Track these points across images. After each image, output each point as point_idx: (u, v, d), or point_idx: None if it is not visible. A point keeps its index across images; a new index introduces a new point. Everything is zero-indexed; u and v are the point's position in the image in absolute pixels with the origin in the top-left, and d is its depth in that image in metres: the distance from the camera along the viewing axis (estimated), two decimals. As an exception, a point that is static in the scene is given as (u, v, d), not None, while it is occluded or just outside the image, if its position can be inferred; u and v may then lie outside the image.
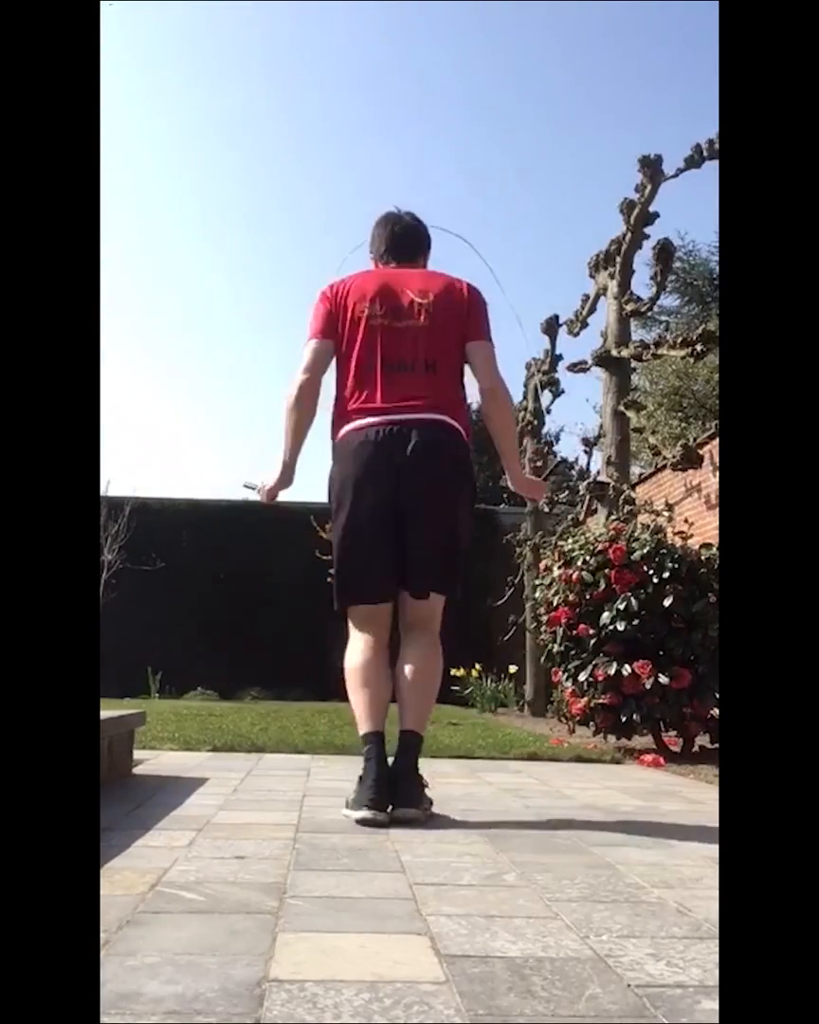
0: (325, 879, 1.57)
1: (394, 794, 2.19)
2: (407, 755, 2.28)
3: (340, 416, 2.45)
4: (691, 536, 4.70)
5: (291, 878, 1.57)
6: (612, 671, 4.16)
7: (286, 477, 2.52)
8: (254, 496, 2.58)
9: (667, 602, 4.13)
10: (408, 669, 2.37)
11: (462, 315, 2.47)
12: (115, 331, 29.75)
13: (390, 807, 2.18)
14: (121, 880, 1.52)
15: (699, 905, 1.47)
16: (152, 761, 3.39)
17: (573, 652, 4.46)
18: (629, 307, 5.93)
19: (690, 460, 5.72)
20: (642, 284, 6.60)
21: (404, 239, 2.63)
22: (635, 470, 9.71)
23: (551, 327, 8.13)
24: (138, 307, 33.47)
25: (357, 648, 2.41)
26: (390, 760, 2.27)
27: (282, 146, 33.75)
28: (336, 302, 2.47)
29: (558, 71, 32.28)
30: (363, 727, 2.33)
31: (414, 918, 1.33)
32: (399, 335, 2.41)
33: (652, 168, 5.79)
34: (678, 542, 4.54)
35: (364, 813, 2.15)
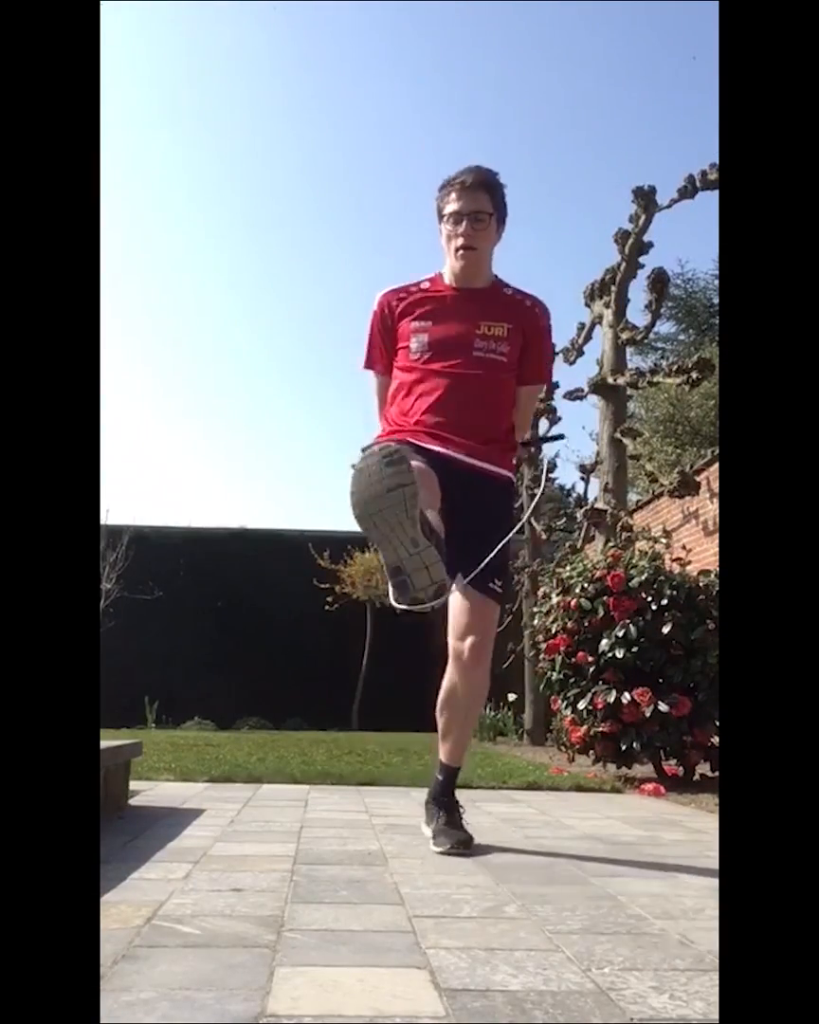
0: (323, 912, 1.55)
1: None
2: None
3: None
4: (689, 563, 4.70)
5: (288, 911, 1.55)
6: (611, 699, 4.15)
7: None
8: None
9: (666, 629, 4.12)
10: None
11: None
12: (115, 358, 29.90)
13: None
14: (117, 913, 1.50)
15: (702, 937, 1.46)
16: (149, 792, 3.36)
17: (572, 680, 4.44)
18: (625, 335, 5.97)
19: (687, 487, 5.73)
20: (638, 312, 6.65)
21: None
22: (632, 497, 9.73)
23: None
24: (139, 334, 33.66)
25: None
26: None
27: (286, 174, 34.13)
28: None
29: (552, 101, 32.75)
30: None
31: (413, 951, 1.32)
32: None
33: (646, 199, 5.86)
34: (676, 569, 4.54)
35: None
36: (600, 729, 4.22)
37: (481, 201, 2.39)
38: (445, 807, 2.38)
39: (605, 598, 4.30)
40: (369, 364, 2.56)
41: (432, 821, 2.38)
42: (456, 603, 2.37)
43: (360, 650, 11.85)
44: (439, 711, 2.42)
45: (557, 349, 7.69)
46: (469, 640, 2.34)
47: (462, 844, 2.22)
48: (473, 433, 2.38)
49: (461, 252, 2.40)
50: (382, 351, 2.52)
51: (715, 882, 1.90)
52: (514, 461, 2.56)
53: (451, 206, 2.40)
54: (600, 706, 4.18)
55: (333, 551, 11.85)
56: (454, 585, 2.31)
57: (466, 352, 2.39)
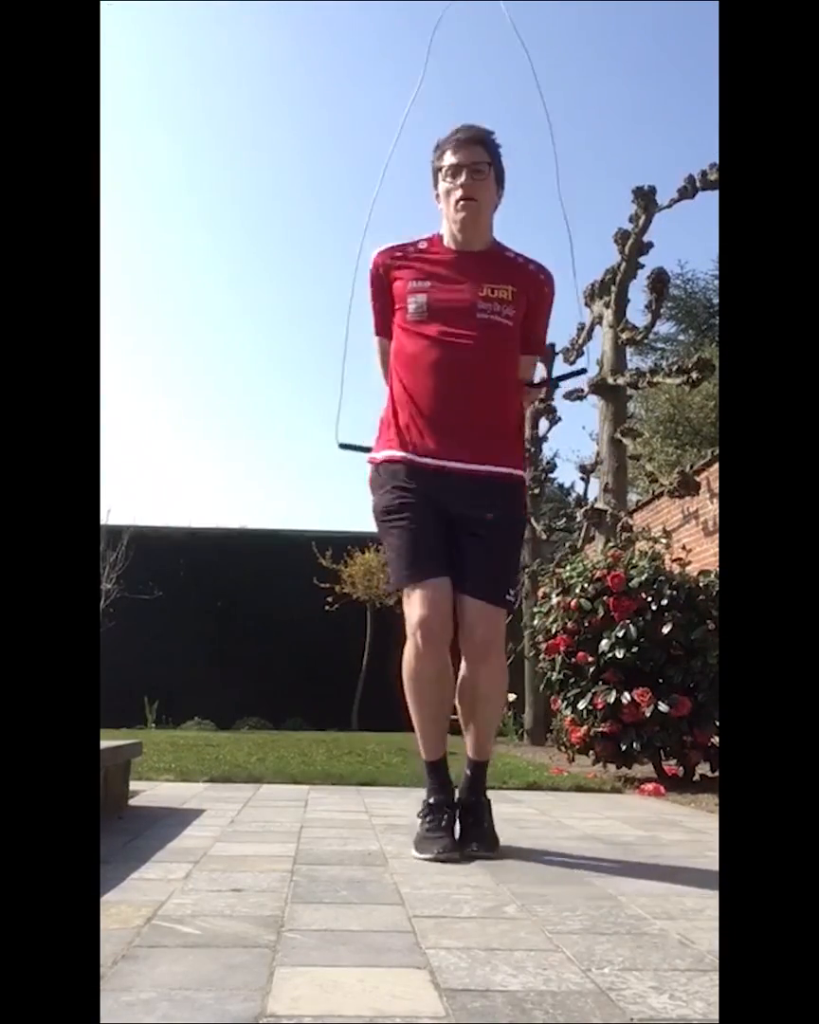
0: (323, 912, 1.55)
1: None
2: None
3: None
4: (689, 563, 4.70)
5: (288, 911, 1.55)
6: (611, 699, 4.15)
7: None
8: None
9: (666, 629, 4.12)
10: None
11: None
12: (115, 357, 29.90)
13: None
14: (117, 913, 1.50)
15: (702, 937, 1.46)
16: (148, 792, 3.36)
17: (572, 680, 4.44)
18: (625, 335, 5.97)
19: (687, 487, 5.73)
20: (638, 312, 6.66)
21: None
22: (632, 497, 9.73)
23: (547, 355, 8.18)
24: (139, 333, 33.67)
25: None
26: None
27: (286, 174, 34.15)
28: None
29: (552, 101, 32.72)
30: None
31: (413, 951, 1.32)
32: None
33: (646, 199, 5.86)
34: (676, 569, 4.54)
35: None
36: (600, 729, 4.22)
37: (479, 153, 2.31)
38: (469, 807, 2.29)
39: (605, 598, 4.30)
40: (377, 330, 2.46)
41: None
42: (465, 610, 2.25)
43: (360, 650, 11.84)
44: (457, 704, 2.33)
45: (557, 349, 7.70)
46: (477, 635, 2.24)
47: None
48: (477, 425, 2.28)
49: (461, 203, 2.28)
50: (382, 315, 2.42)
51: (715, 882, 1.89)
52: (525, 452, 2.49)
53: (449, 159, 2.32)
54: (600, 706, 4.18)
55: (333, 551, 11.85)
56: (464, 595, 2.24)
57: (469, 316, 2.28)
